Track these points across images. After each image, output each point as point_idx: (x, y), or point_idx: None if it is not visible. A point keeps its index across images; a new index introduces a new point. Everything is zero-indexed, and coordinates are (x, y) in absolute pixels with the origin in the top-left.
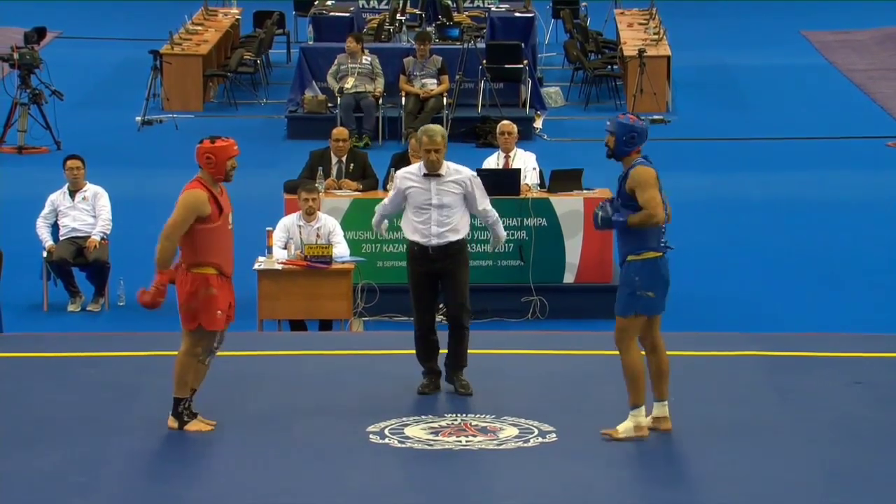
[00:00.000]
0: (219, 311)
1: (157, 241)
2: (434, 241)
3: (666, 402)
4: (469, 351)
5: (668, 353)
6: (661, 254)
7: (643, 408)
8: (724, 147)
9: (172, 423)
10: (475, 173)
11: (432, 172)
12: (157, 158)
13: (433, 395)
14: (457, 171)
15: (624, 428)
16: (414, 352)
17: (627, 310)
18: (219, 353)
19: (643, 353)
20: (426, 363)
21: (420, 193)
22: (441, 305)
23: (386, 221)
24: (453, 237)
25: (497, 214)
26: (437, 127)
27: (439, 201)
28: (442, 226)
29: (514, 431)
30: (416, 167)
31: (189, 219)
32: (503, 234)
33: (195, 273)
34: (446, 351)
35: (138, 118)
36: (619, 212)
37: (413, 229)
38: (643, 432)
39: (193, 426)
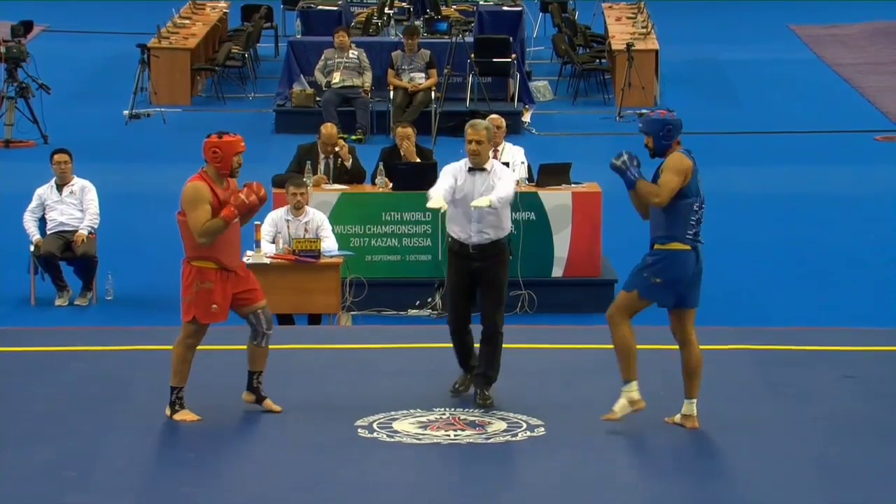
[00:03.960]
0: (214, 305)
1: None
2: (474, 239)
3: (694, 401)
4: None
5: (659, 346)
6: (688, 247)
7: (634, 382)
8: (713, 141)
9: (167, 411)
10: (504, 166)
11: (477, 167)
12: (145, 152)
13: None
14: (501, 168)
15: (619, 406)
16: (400, 346)
17: (630, 285)
18: (205, 348)
19: (676, 347)
20: (462, 363)
21: (463, 188)
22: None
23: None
24: (494, 236)
25: (509, 199)
26: (483, 121)
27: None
28: (483, 223)
29: (503, 426)
30: (462, 162)
31: (203, 209)
32: (488, 199)
33: (194, 265)
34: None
35: (126, 112)
36: (637, 170)
37: (454, 224)
38: (638, 405)
39: (181, 417)
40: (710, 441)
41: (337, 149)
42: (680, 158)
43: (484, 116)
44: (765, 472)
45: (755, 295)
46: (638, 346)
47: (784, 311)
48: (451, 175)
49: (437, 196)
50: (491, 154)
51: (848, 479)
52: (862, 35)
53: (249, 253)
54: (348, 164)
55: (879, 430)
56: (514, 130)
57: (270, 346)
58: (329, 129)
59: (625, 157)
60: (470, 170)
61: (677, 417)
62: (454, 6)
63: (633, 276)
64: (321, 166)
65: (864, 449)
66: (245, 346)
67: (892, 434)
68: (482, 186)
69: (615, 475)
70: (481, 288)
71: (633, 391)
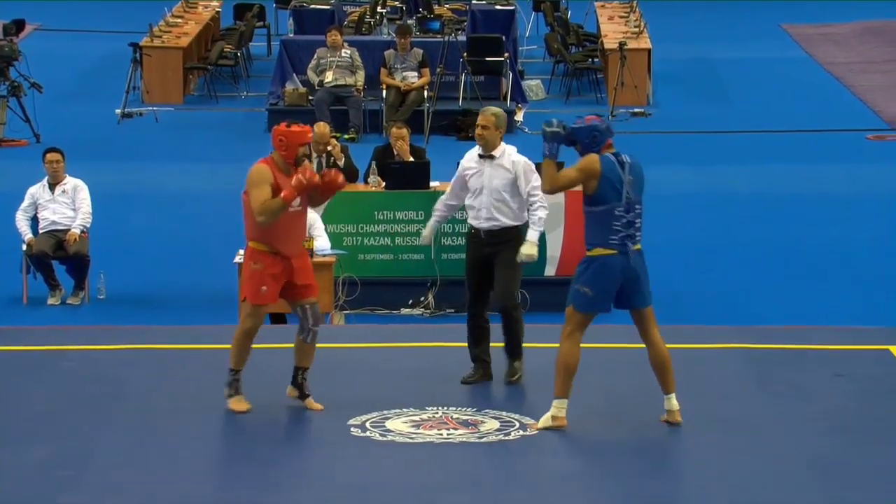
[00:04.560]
0: (263, 287)
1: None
2: (485, 225)
3: (671, 395)
4: (447, 344)
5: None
6: (612, 251)
7: (563, 400)
8: (705, 140)
9: (225, 390)
10: (527, 160)
11: (486, 154)
12: (138, 151)
13: (474, 385)
14: (509, 156)
15: (542, 419)
16: (393, 345)
17: (567, 300)
18: (196, 347)
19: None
20: (472, 349)
21: (475, 176)
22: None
23: (436, 225)
24: (505, 222)
25: (545, 209)
26: (494, 107)
27: (490, 184)
28: (493, 209)
29: (496, 425)
30: (475, 150)
31: (263, 189)
32: (533, 238)
33: (250, 245)
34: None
35: (118, 111)
36: (557, 149)
37: (469, 211)
38: (559, 422)
39: (234, 403)
40: (703, 439)
41: (329, 148)
42: (590, 160)
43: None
44: (756, 471)
45: (747, 293)
46: (631, 346)
47: (776, 309)
48: (465, 165)
49: (425, 234)
50: (504, 144)
51: (839, 477)
52: (853, 34)
53: (242, 252)
54: (341, 163)
55: (870, 429)
56: (507, 129)
57: (264, 345)
58: (322, 128)
59: (557, 127)
60: (480, 156)
61: (665, 415)
62: (447, 5)
63: (570, 290)
64: (314, 165)
65: (855, 447)
66: (215, 346)
67: (883, 432)
68: (491, 173)
69: (608, 474)
70: (494, 270)
71: (559, 408)
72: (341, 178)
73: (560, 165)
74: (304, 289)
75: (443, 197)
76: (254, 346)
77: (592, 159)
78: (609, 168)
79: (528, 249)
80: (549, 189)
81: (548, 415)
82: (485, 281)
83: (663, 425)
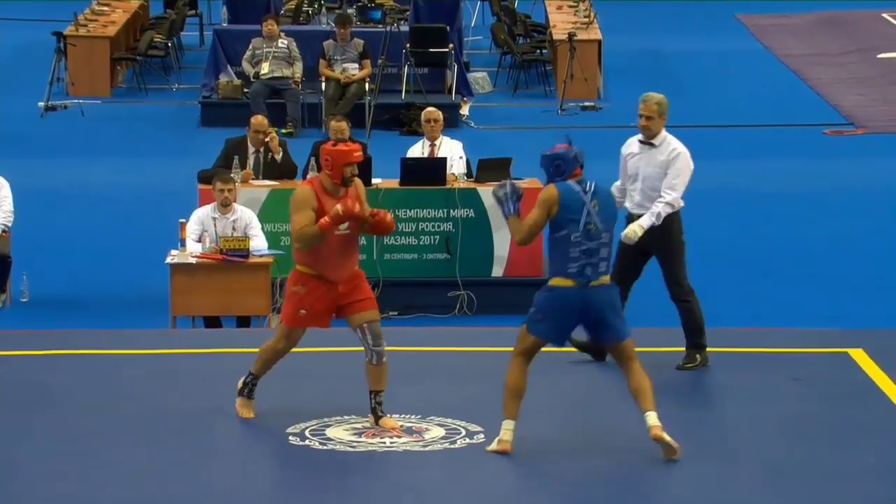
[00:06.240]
0: (301, 311)
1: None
2: (637, 211)
3: (650, 412)
4: (392, 348)
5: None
6: (569, 282)
7: (510, 422)
8: None
9: (239, 383)
10: (684, 151)
11: (645, 141)
12: (62, 146)
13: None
14: (668, 145)
15: (493, 441)
16: (334, 349)
17: (524, 319)
18: (126, 352)
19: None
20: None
21: (633, 161)
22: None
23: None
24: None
25: (668, 205)
26: (656, 94)
27: (645, 171)
28: (644, 197)
29: (441, 432)
30: (638, 135)
31: (303, 214)
32: (643, 222)
33: (296, 268)
34: None
35: (41, 104)
36: (515, 205)
37: (628, 195)
38: (502, 446)
39: (240, 404)
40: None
41: (267, 139)
42: (547, 190)
43: (420, 109)
44: (713, 475)
45: (701, 294)
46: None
47: (731, 309)
48: (626, 150)
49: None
50: (665, 132)
51: (795, 481)
52: (811, 25)
53: (174, 252)
54: (278, 157)
55: (827, 433)
56: (452, 124)
57: (198, 350)
58: (259, 118)
59: (507, 188)
60: (640, 141)
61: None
62: None
63: (529, 309)
64: (250, 161)
65: (812, 451)
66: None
67: (841, 436)
68: (648, 160)
69: (555, 482)
70: (657, 259)
71: (505, 429)
72: (390, 217)
73: (508, 161)
74: (357, 307)
75: (616, 183)
76: (190, 351)
77: (549, 188)
78: (567, 195)
79: (630, 229)
80: (522, 240)
81: (497, 437)
82: (631, 265)
83: (611, 431)
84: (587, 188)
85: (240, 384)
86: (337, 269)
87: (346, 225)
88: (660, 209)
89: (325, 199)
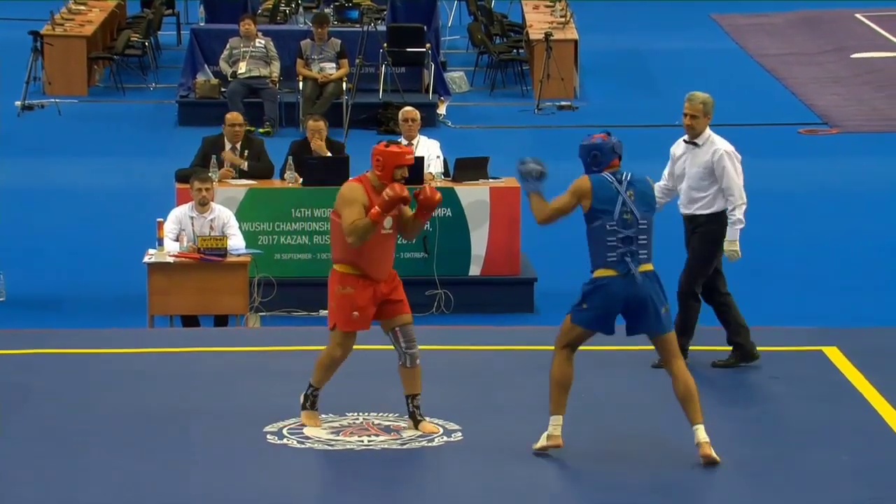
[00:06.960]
0: (355, 312)
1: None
2: (682, 210)
3: (699, 426)
4: (368, 347)
5: (582, 347)
6: (611, 272)
7: (557, 417)
8: (634, 134)
9: (301, 397)
10: (727, 150)
11: (690, 140)
12: (39, 146)
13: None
14: (712, 145)
15: (541, 438)
16: (311, 348)
17: (569, 309)
18: (104, 351)
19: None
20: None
21: (680, 161)
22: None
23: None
24: (697, 210)
25: (738, 208)
26: (701, 93)
27: (690, 171)
28: (687, 196)
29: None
30: (685, 136)
31: (355, 208)
32: (732, 236)
33: (336, 269)
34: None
35: (18, 103)
36: (537, 184)
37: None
38: (553, 441)
39: (305, 416)
40: (635, 445)
41: (237, 128)
42: (580, 181)
43: (398, 108)
44: (689, 476)
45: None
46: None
47: (706, 307)
48: (675, 150)
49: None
50: (709, 130)
51: (769, 480)
52: (786, 24)
53: (151, 251)
54: (244, 166)
55: (804, 432)
56: (429, 123)
57: (175, 349)
58: (233, 113)
59: (529, 164)
60: (685, 141)
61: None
62: None
63: (574, 301)
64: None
65: (785, 450)
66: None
67: (817, 435)
68: (692, 160)
69: (534, 482)
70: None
71: (554, 425)
72: (438, 195)
73: (485, 160)
74: (393, 309)
75: (659, 183)
76: (168, 350)
77: (582, 180)
78: (600, 185)
79: (727, 252)
80: (542, 220)
81: (544, 433)
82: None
83: (590, 432)
84: (622, 178)
85: (301, 398)
86: (380, 268)
87: (389, 223)
88: (737, 216)
89: (373, 196)
